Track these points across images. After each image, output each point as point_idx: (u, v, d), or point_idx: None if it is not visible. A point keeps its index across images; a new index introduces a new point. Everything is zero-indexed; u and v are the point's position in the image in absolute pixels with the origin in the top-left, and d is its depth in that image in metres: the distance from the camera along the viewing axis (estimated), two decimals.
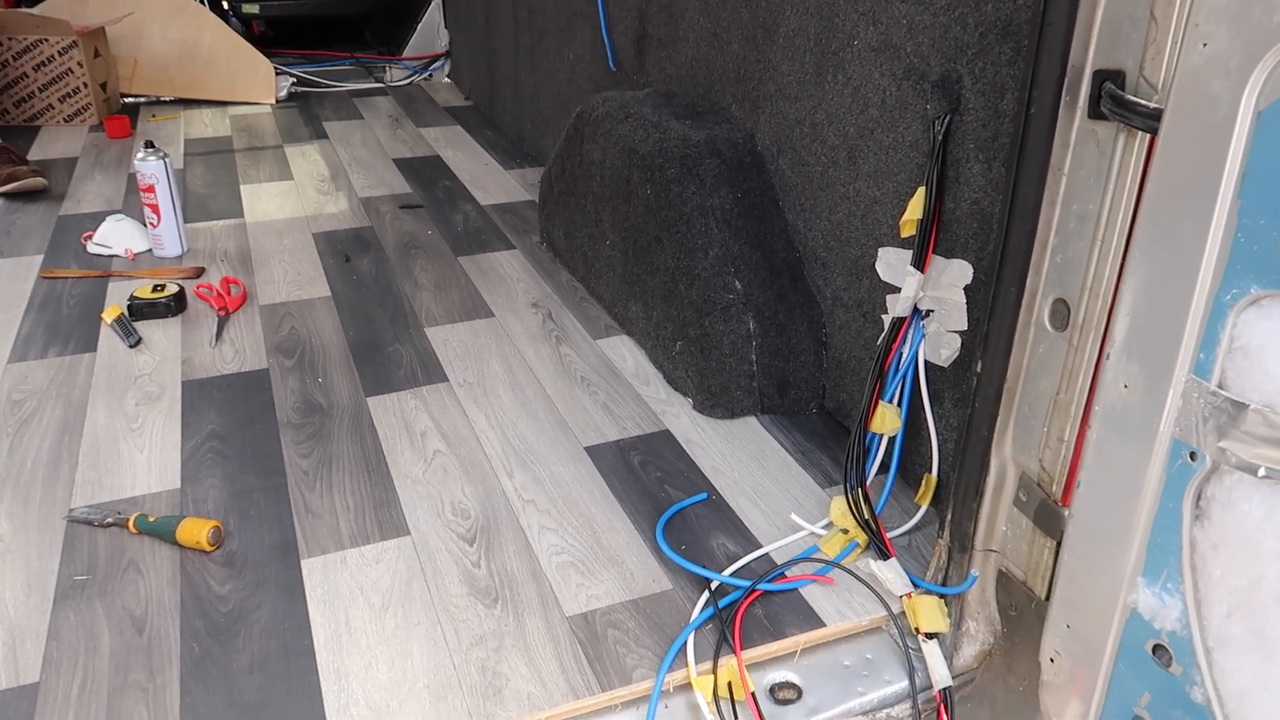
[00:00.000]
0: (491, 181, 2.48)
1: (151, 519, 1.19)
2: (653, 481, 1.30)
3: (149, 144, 1.96)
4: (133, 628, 1.05)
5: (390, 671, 1.00)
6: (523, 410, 1.46)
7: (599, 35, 2.09)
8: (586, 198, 1.81)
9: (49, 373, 1.56)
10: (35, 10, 3.02)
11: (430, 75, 3.55)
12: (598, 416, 1.45)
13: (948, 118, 1.15)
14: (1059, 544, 0.92)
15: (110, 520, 1.20)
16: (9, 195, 2.31)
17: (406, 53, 3.58)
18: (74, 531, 1.20)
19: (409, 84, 3.50)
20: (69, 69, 2.93)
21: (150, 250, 2.02)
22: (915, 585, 1.09)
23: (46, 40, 2.88)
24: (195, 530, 1.16)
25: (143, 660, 1.01)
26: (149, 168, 1.93)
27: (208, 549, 1.16)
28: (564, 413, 1.46)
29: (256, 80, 3.23)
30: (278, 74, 3.27)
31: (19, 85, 2.92)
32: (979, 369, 1.00)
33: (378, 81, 3.49)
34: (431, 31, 3.56)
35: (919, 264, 1.19)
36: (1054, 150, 0.88)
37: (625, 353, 1.64)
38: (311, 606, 1.08)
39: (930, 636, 1.04)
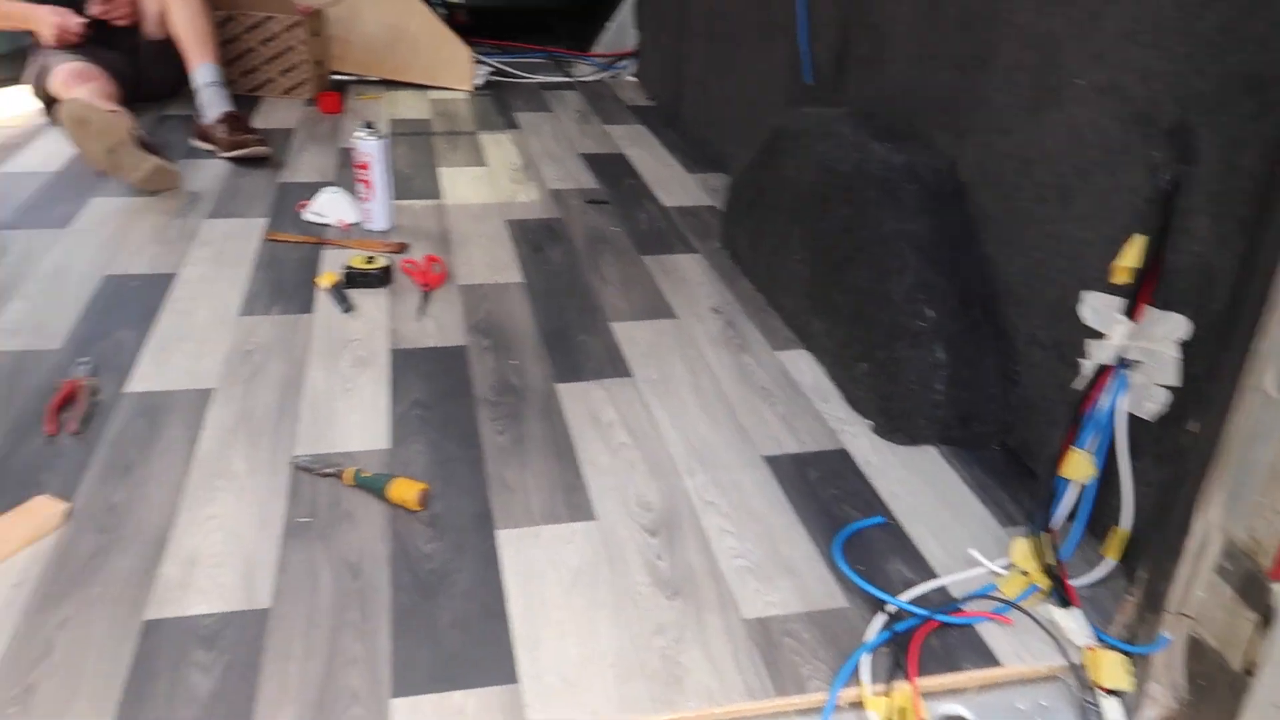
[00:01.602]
0: (674, 183, 2.54)
1: (366, 474, 1.29)
2: (829, 499, 1.33)
3: (369, 124, 2.10)
4: (349, 572, 1.15)
5: (580, 647, 1.06)
6: (704, 413, 1.51)
7: (796, 48, 2.12)
8: (777, 210, 1.84)
9: (273, 329, 1.70)
10: None
11: (616, 73, 3.65)
12: (776, 428, 1.49)
13: (1178, 168, 1.13)
14: (1265, 618, 0.90)
15: (329, 471, 1.32)
16: (237, 160, 2.51)
17: (595, 49, 3.69)
18: (297, 477, 1.32)
19: (596, 80, 3.60)
20: (291, 46, 3.15)
21: (360, 223, 2.17)
22: (1099, 639, 1.08)
23: (274, 18, 3.11)
24: (405, 490, 1.26)
25: (358, 603, 1.11)
26: (368, 146, 2.07)
27: (415, 509, 1.25)
28: (744, 420, 1.50)
29: (456, 67, 3.39)
30: (475, 62, 3.43)
31: (247, 58, 3.16)
32: (1194, 429, 0.99)
33: (566, 76, 3.61)
34: (621, 30, 3.65)
35: (1130, 313, 1.17)
36: None
37: (804, 367, 1.66)
38: (506, 576, 1.16)
39: (1111, 693, 1.04)
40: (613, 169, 2.63)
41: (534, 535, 1.23)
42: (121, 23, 2.72)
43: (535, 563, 1.18)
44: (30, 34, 2.71)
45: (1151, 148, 1.17)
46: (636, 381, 1.59)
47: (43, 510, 1.21)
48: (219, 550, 1.18)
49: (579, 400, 1.53)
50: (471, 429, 1.44)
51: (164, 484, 1.29)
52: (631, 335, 1.74)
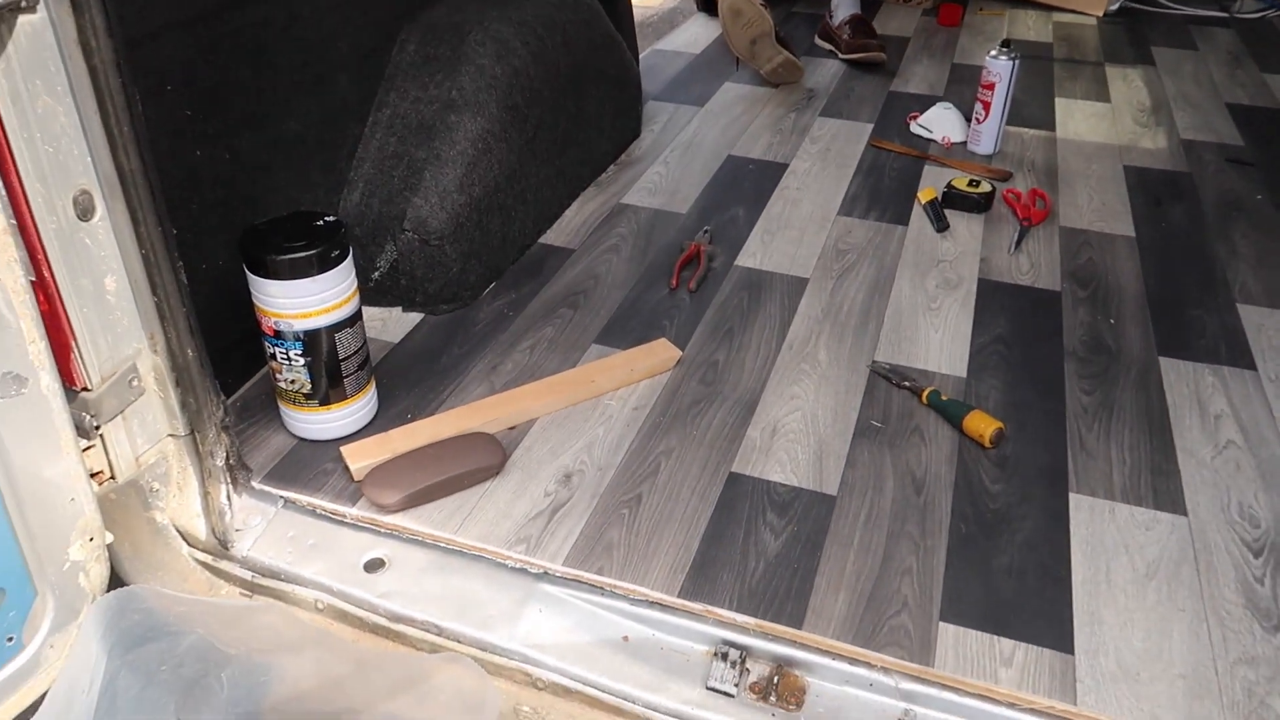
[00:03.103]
0: None
1: (944, 398, 1.29)
2: None
3: (1006, 43, 2.01)
4: (912, 486, 1.18)
5: (1145, 643, 0.98)
6: None
7: None
8: None
9: (867, 234, 1.75)
10: None
11: None
12: None
13: None
14: None
15: (906, 384, 1.34)
16: (853, 63, 2.58)
17: None
18: (873, 381, 1.36)
19: (1260, 18, 3.07)
20: None
21: (965, 143, 2.12)
22: None
23: None
24: (981, 424, 1.23)
25: (917, 517, 1.13)
26: (999, 66, 1.99)
27: (986, 446, 1.23)
28: None
29: None
30: None
31: None
32: None
33: (1222, 11, 3.12)
34: None
35: None
36: None
37: None
38: (1073, 541, 1.10)
39: None
40: (1266, 126, 2.25)
41: (1109, 509, 1.14)
42: None
43: (1106, 537, 1.10)
44: None
45: None
46: (1260, 378, 1.38)
47: (663, 352, 1.40)
48: (797, 429, 1.27)
49: (1184, 380, 1.37)
50: (1054, 380, 1.36)
51: (758, 355, 1.41)
52: (1261, 323, 1.50)
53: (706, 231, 1.72)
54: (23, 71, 0.86)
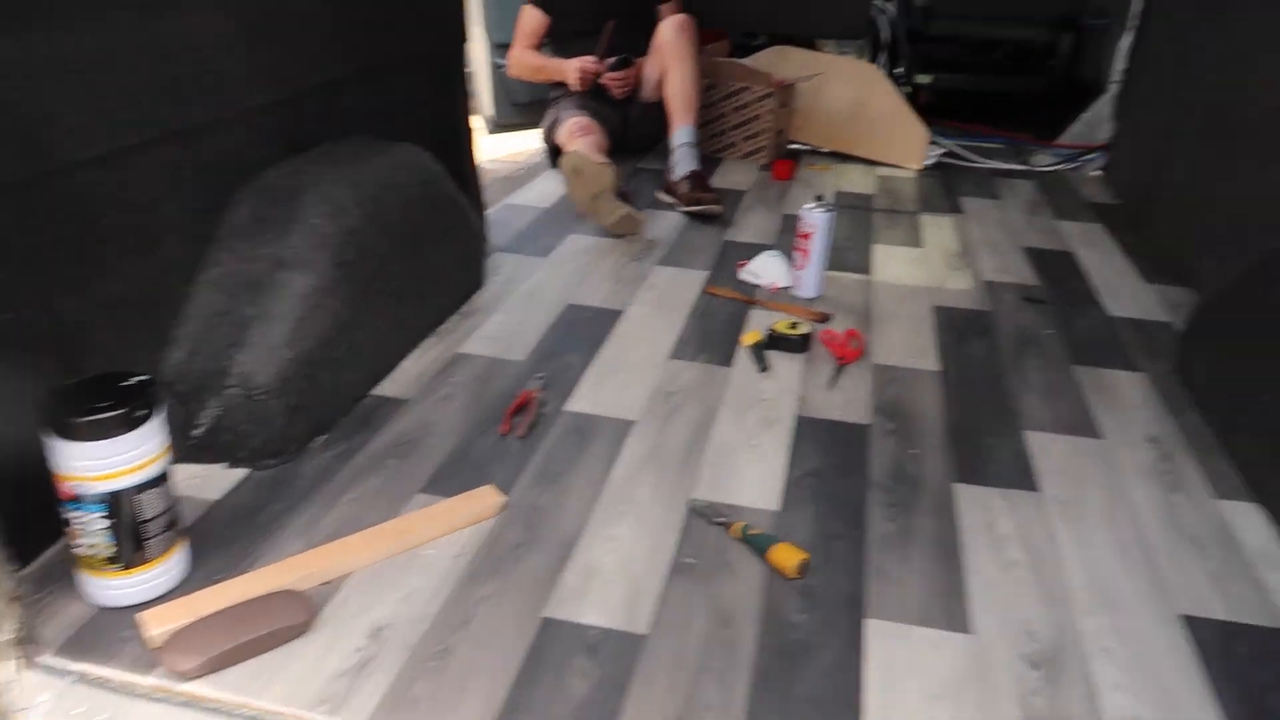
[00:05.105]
0: (1126, 292, 2.33)
1: (754, 532, 1.35)
2: (1260, 686, 1.14)
3: (820, 197, 2.20)
4: (720, 621, 1.22)
5: None
6: (1116, 549, 1.38)
7: None
8: (1263, 343, 1.62)
9: (695, 376, 1.84)
10: (747, 61, 3.53)
11: (1079, 166, 3.43)
12: (1202, 585, 1.31)
13: None
14: None
15: (720, 520, 1.40)
16: (692, 215, 2.75)
17: (1062, 139, 3.51)
18: (691, 519, 1.41)
19: (1053, 172, 3.42)
20: (758, 115, 3.38)
21: (789, 288, 2.27)
22: None
23: (750, 89, 3.36)
24: (787, 557, 1.29)
25: (723, 653, 1.16)
26: (814, 218, 2.16)
27: (792, 577, 1.28)
28: (1162, 567, 1.34)
29: (908, 145, 3.41)
30: (929, 143, 3.42)
31: (717, 122, 3.45)
32: None
33: (1023, 164, 3.47)
34: (1095, 122, 3.43)
35: None
36: None
37: (1252, 525, 1.44)
38: (868, 667, 1.15)
39: None
40: (1057, 267, 2.49)
41: (904, 633, 1.20)
42: (623, 95, 3.09)
43: (900, 661, 1.16)
44: (549, 87, 3.18)
45: None
46: (1043, 499, 1.49)
47: (487, 498, 1.42)
48: (613, 569, 1.30)
49: (976, 505, 1.47)
50: (859, 510, 1.45)
51: (580, 498, 1.45)
52: (1046, 448, 1.63)
53: (540, 377, 1.78)
54: None
